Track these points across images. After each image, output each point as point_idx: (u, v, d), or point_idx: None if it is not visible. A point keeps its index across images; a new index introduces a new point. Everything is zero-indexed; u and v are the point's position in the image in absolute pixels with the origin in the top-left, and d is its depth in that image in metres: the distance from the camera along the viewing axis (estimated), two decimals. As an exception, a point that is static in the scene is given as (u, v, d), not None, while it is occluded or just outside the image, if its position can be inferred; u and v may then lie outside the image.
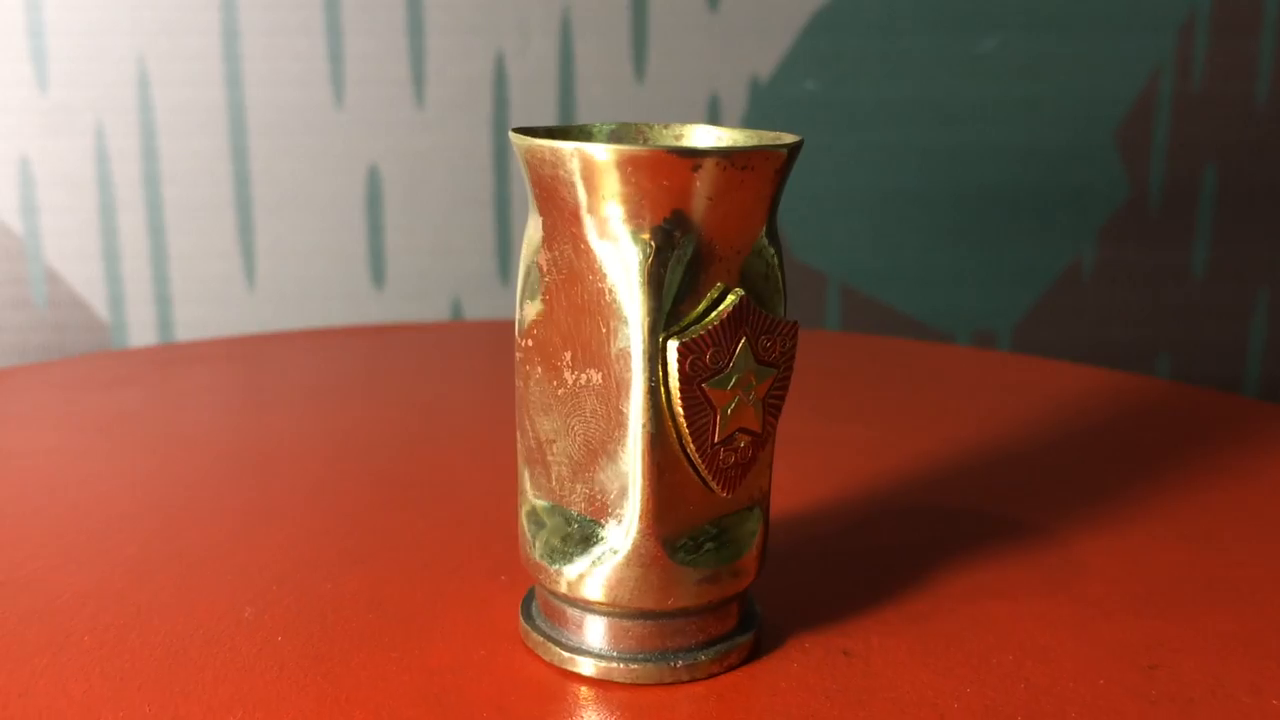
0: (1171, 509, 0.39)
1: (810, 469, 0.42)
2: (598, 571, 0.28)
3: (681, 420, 0.27)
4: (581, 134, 0.30)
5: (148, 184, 0.66)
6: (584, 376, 0.27)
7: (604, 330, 0.27)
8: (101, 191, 0.66)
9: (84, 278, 0.67)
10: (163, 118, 0.66)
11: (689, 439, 0.27)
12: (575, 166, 0.26)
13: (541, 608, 0.30)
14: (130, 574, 0.34)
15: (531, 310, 0.28)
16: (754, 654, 0.30)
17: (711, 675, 0.29)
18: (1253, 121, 0.70)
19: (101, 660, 0.29)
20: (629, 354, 0.26)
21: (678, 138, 0.31)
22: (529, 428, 0.29)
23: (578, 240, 0.27)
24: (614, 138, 0.31)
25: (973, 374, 0.53)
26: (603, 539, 0.28)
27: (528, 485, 0.29)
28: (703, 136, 0.30)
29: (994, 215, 0.70)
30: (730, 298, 0.27)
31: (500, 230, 0.69)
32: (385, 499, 0.39)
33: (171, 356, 0.55)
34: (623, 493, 0.27)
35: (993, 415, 0.48)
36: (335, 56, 0.66)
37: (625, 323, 0.26)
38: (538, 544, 0.29)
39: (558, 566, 0.28)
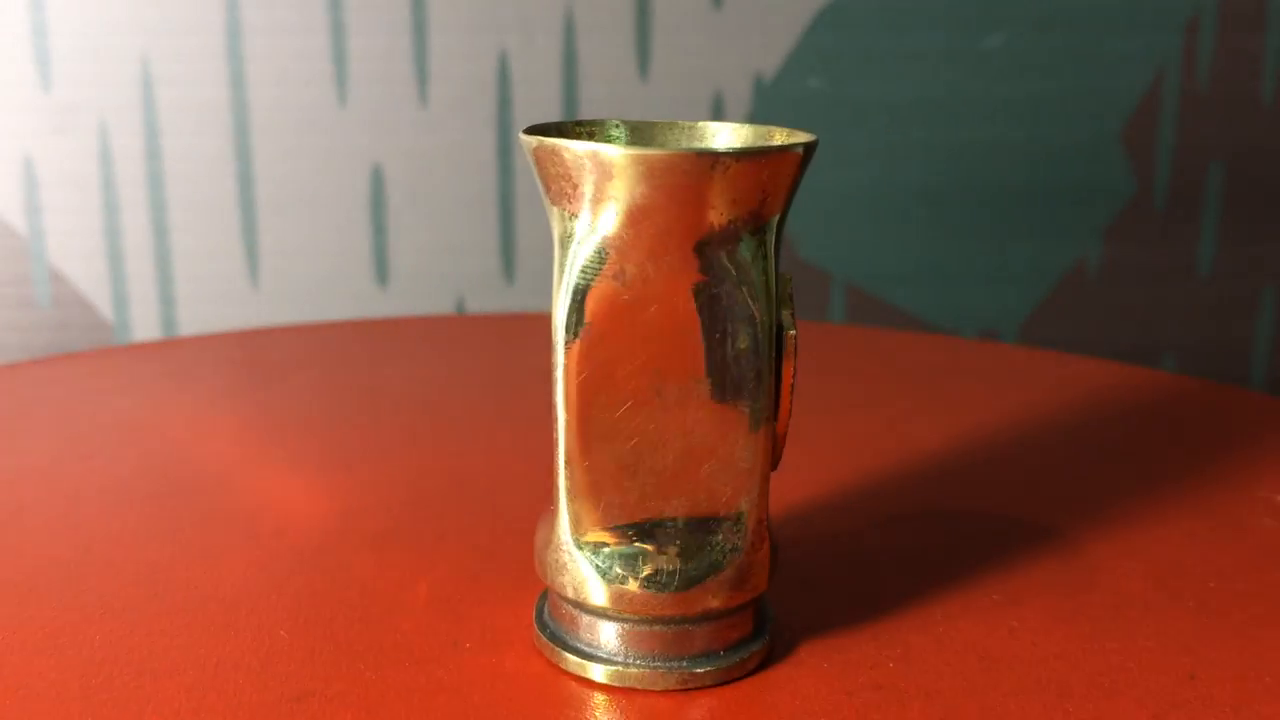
0: (1187, 508, 0.39)
1: (816, 468, 0.42)
2: (717, 578, 0.28)
3: (787, 403, 0.28)
4: (589, 132, 0.30)
5: (151, 183, 0.66)
6: (682, 388, 0.27)
7: (718, 335, 0.27)
8: (105, 191, 0.66)
9: (88, 277, 0.67)
10: (166, 117, 0.66)
11: (785, 419, 0.28)
12: (704, 175, 0.25)
13: (553, 612, 0.30)
14: (130, 572, 0.34)
15: (595, 338, 0.27)
16: (769, 659, 0.30)
17: (727, 681, 0.29)
18: (1259, 120, 0.70)
19: (98, 661, 0.29)
20: (751, 352, 0.27)
21: (699, 136, 0.30)
22: (590, 459, 0.27)
23: (671, 253, 0.26)
24: (632, 136, 0.30)
25: (979, 368, 0.53)
26: (717, 543, 0.28)
27: (590, 517, 0.28)
28: (722, 134, 0.30)
29: (999, 213, 0.70)
30: (788, 280, 0.28)
31: (504, 229, 0.69)
32: (390, 498, 0.39)
33: (174, 350, 0.55)
34: (738, 489, 0.28)
35: (1001, 411, 0.48)
36: (339, 56, 0.66)
37: (748, 322, 0.27)
38: (629, 576, 0.28)
39: (671, 589, 0.28)
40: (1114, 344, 0.72)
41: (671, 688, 0.29)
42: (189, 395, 0.49)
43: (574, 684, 0.29)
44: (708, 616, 0.28)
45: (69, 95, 0.65)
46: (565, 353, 0.27)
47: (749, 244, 0.27)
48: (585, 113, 0.68)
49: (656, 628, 0.28)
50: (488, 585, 0.33)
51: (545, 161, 0.26)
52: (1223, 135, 0.70)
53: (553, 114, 0.68)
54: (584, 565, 0.28)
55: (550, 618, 0.30)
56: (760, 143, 0.29)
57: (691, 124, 0.31)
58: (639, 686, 0.29)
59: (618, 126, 0.30)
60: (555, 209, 0.27)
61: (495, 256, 0.69)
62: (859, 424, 0.47)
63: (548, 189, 0.27)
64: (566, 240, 0.27)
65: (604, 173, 0.25)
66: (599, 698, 0.28)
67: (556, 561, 0.29)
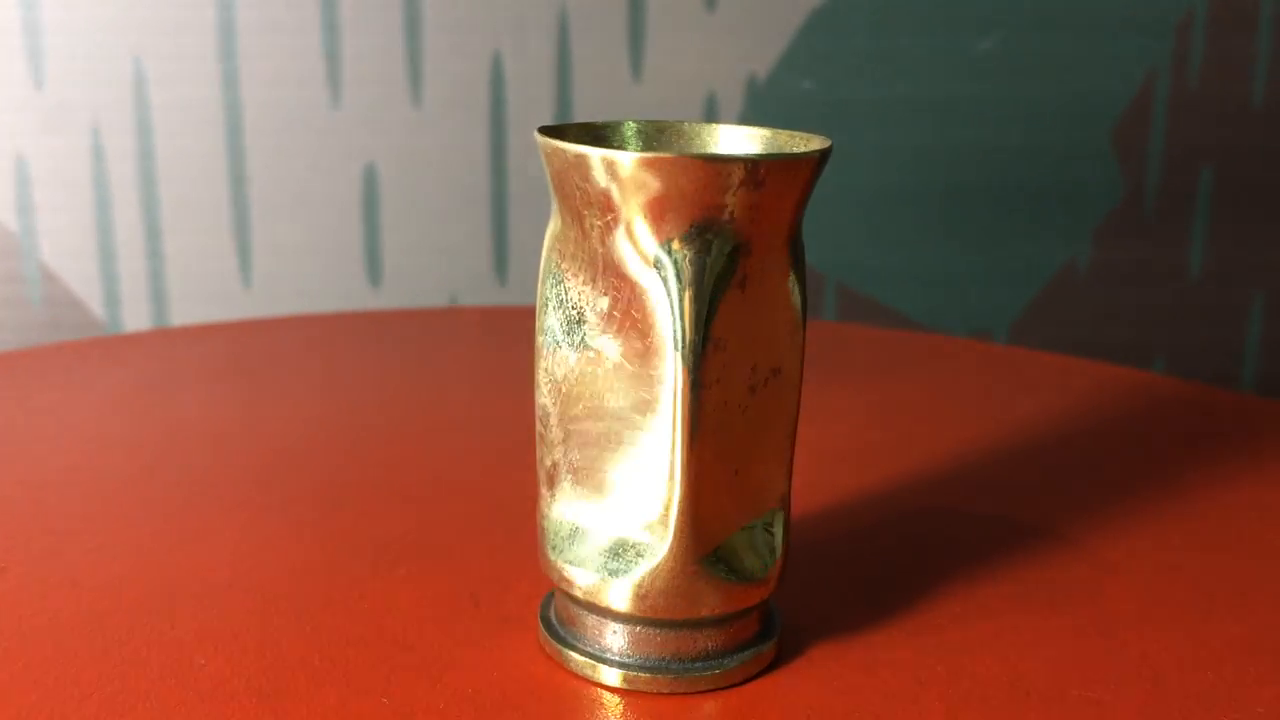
0: (1187, 509, 0.39)
1: (817, 466, 0.42)
2: (775, 569, 0.29)
3: None
4: (602, 134, 0.30)
5: (144, 183, 0.66)
6: (766, 379, 0.28)
7: (784, 326, 0.28)
8: (97, 190, 0.66)
9: (80, 276, 0.67)
10: (159, 116, 0.65)
11: None
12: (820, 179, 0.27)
13: (560, 614, 0.30)
14: (125, 569, 0.33)
15: (720, 346, 0.27)
16: (775, 662, 0.30)
17: (734, 684, 0.29)
18: (1249, 122, 0.71)
19: (88, 659, 0.29)
20: (799, 338, 0.28)
21: (711, 137, 0.30)
22: (703, 466, 0.27)
23: (774, 253, 0.27)
24: (643, 136, 0.30)
25: (973, 368, 0.53)
26: (781, 521, 0.29)
27: (703, 526, 0.27)
28: (732, 135, 0.30)
29: (990, 215, 0.71)
30: None
31: (497, 229, 0.69)
32: (391, 493, 0.39)
33: (166, 341, 0.55)
34: (787, 471, 0.29)
35: (997, 411, 0.48)
36: (332, 55, 0.66)
37: (801, 312, 0.28)
38: (731, 574, 0.28)
39: (759, 576, 0.29)
40: (1104, 345, 0.73)
41: (680, 690, 0.29)
42: (181, 384, 0.49)
43: (581, 685, 0.29)
44: (726, 616, 0.29)
45: (61, 94, 0.65)
46: (694, 366, 0.26)
47: (800, 239, 0.28)
48: (579, 115, 0.68)
49: (667, 630, 0.29)
50: (491, 586, 0.33)
51: (676, 177, 0.25)
52: (1213, 137, 0.71)
53: (546, 115, 0.68)
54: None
55: (557, 619, 0.30)
56: (768, 141, 0.30)
57: (699, 124, 0.31)
58: (648, 689, 0.29)
59: (630, 126, 0.30)
60: (651, 225, 0.26)
61: (487, 256, 0.69)
62: (856, 422, 0.47)
63: (654, 205, 0.25)
64: (679, 256, 0.26)
65: (753, 181, 0.25)
66: (607, 699, 0.28)
67: (566, 562, 0.29)
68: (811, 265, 0.70)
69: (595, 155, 0.25)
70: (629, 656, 0.29)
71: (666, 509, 0.27)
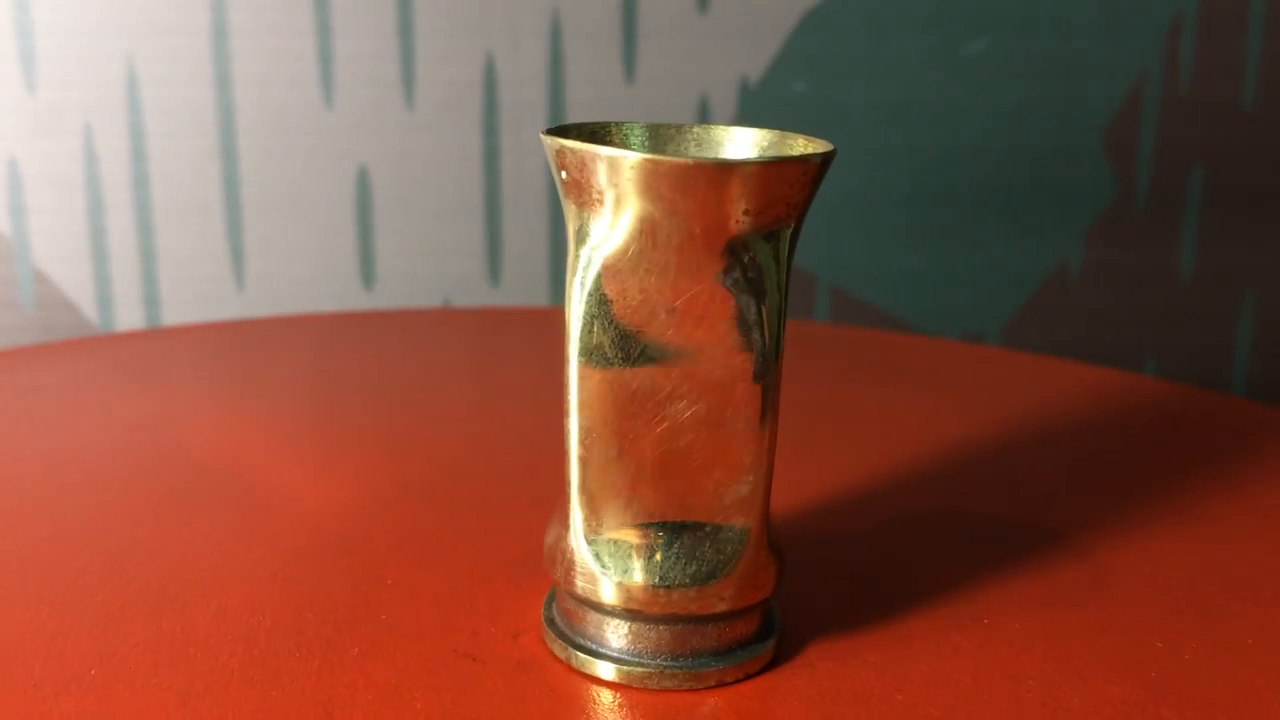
0: (1184, 513, 0.39)
1: (816, 468, 0.42)
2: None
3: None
4: (609, 138, 0.30)
5: (137, 185, 0.66)
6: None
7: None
8: (90, 192, 0.66)
9: (72, 279, 0.66)
10: (152, 119, 0.65)
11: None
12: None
13: (561, 609, 0.30)
14: (115, 566, 0.33)
15: (778, 339, 0.28)
16: (776, 660, 0.30)
17: (734, 681, 0.29)
18: (1240, 124, 0.71)
19: (94, 657, 0.29)
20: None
21: (719, 140, 0.30)
22: (766, 460, 0.28)
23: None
24: (653, 139, 0.30)
25: (965, 370, 0.53)
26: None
27: (764, 520, 0.29)
28: (739, 138, 0.30)
29: (982, 217, 0.71)
30: None
31: (490, 231, 0.69)
32: (387, 493, 0.39)
33: (157, 341, 0.55)
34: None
35: (989, 413, 0.48)
36: (325, 57, 0.66)
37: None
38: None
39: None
40: (1096, 347, 0.73)
41: (679, 687, 0.29)
42: (176, 385, 0.49)
43: (582, 681, 0.29)
44: (717, 616, 0.29)
45: (54, 96, 0.64)
46: (773, 363, 0.27)
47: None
48: (572, 117, 0.68)
49: (665, 626, 0.29)
50: (495, 582, 0.33)
51: (755, 179, 0.25)
52: (1204, 139, 0.71)
53: (539, 118, 0.68)
54: (593, 563, 0.28)
55: (559, 615, 0.30)
56: (771, 143, 0.30)
57: (704, 127, 0.30)
58: (647, 686, 0.29)
59: (634, 129, 0.30)
60: (723, 229, 0.26)
61: (481, 258, 0.69)
62: (851, 423, 0.47)
63: (726, 208, 0.25)
64: (758, 256, 0.26)
65: (816, 180, 0.26)
66: (607, 695, 0.28)
67: (567, 559, 0.29)
68: (804, 267, 0.71)
69: (701, 165, 0.25)
70: (628, 652, 0.29)
71: (754, 506, 0.28)
